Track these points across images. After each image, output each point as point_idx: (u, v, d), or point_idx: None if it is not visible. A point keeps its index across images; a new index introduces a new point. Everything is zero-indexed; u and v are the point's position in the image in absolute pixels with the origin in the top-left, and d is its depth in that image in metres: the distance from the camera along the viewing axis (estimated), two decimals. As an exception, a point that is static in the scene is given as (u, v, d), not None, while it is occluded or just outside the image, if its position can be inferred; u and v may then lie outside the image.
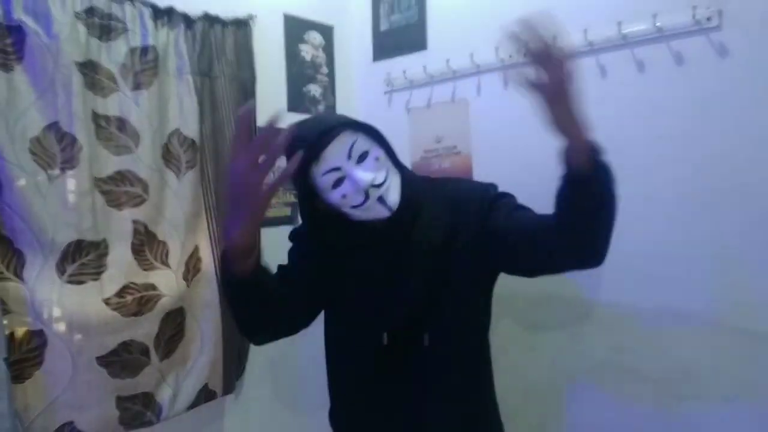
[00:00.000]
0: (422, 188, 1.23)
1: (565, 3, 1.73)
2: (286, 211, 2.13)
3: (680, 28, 1.53)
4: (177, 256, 1.72)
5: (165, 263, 1.69)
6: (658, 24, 1.56)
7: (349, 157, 1.10)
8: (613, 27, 1.63)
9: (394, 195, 1.14)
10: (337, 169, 1.10)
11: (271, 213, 2.08)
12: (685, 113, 1.56)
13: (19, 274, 1.44)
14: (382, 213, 1.13)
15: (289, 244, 1.33)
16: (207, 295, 1.79)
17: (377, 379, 1.25)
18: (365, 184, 1.09)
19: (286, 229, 1.41)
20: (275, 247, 1.35)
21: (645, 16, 1.57)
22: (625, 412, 1.70)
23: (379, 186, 1.11)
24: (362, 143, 1.12)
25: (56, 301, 1.48)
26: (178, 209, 1.74)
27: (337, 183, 1.11)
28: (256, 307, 1.08)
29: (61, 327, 1.48)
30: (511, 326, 1.85)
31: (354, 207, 1.12)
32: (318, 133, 1.09)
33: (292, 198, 2.14)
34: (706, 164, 1.53)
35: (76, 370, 1.50)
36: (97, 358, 1.54)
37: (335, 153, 1.10)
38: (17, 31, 1.42)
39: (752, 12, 1.44)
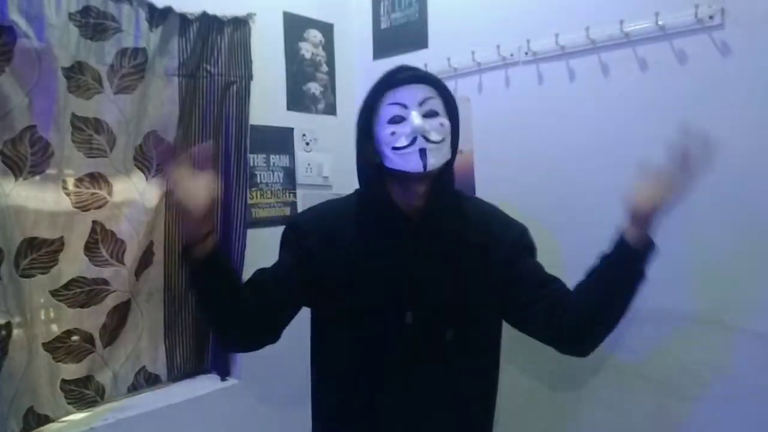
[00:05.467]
0: (458, 193, 1.28)
1: (567, 1, 1.72)
2: (285, 211, 2.12)
3: (682, 27, 1.52)
4: (133, 253, 1.77)
5: (120, 261, 1.75)
6: (660, 22, 1.54)
7: (420, 104, 1.14)
8: (615, 25, 1.62)
9: (435, 159, 1.14)
10: (404, 106, 1.14)
11: (270, 213, 2.08)
12: (687, 112, 1.52)
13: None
14: (416, 167, 1.12)
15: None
16: (153, 285, 1.88)
17: (399, 367, 1.21)
18: (418, 128, 1.11)
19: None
20: (274, 247, 1.31)
21: (647, 14, 1.56)
22: (626, 413, 1.69)
23: (428, 140, 1.13)
24: (437, 105, 1.16)
25: (12, 294, 1.52)
26: (141, 209, 1.78)
27: (394, 120, 1.14)
28: (222, 295, 1.10)
29: (19, 318, 1.55)
30: (512, 327, 1.82)
31: (395, 149, 1.13)
32: (407, 70, 1.17)
33: (291, 198, 2.13)
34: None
35: (30, 357, 1.56)
36: (43, 344, 1.61)
37: (410, 94, 1.14)
38: (9, 33, 1.42)
39: (754, 10, 1.42)
